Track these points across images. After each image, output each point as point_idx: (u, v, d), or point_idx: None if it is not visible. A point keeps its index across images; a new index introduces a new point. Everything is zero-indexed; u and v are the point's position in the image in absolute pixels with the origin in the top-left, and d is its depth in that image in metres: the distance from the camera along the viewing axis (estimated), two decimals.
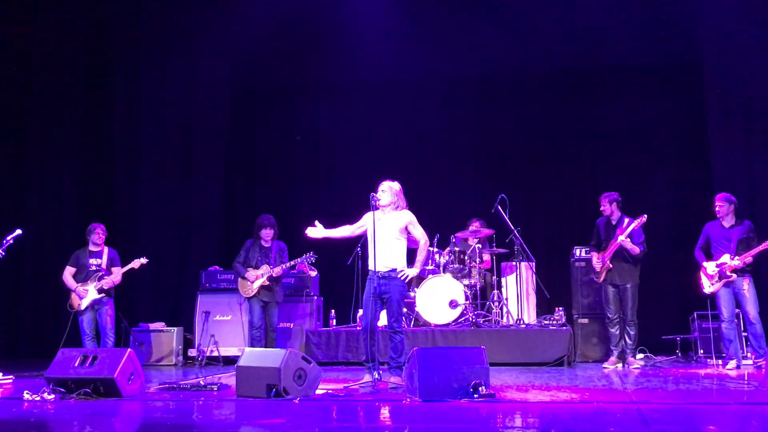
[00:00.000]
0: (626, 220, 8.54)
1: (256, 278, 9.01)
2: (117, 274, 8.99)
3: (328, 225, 12.03)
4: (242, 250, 9.29)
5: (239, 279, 9.21)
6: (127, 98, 11.97)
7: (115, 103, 11.99)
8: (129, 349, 6.68)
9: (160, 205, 11.81)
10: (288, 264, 9.02)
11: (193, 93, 12.06)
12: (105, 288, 8.88)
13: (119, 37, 12.00)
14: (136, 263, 9.04)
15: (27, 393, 6.42)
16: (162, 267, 11.12)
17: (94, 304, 8.88)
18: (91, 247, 9.06)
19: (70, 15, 11.84)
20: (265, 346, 8.95)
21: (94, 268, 8.96)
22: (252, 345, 8.95)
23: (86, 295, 8.84)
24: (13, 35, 11.64)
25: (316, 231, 7.58)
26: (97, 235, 9.05)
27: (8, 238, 8.51)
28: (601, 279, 8.73)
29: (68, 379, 6.48)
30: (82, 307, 8.84)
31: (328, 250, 11.78)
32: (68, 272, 9.01)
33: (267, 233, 9.18)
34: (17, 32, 11.66)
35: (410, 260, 7.41)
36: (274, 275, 9.00)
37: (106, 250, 9.09)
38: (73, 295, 8.91)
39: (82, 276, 8.95)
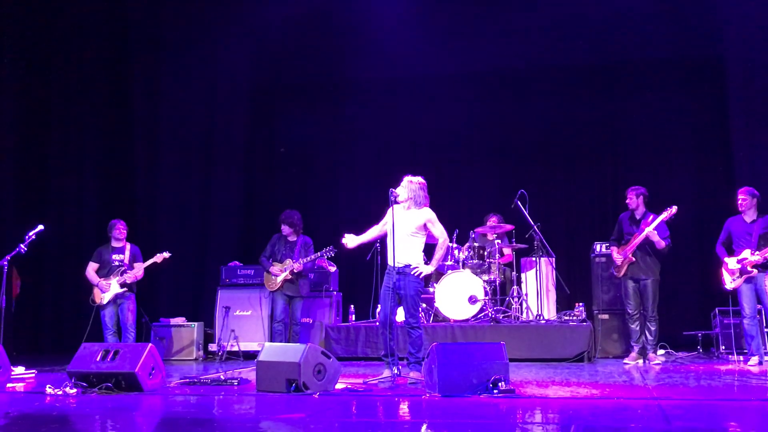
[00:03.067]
0: (651, 216, 8.49)
1: (280, 272, 9.06)
2: (139, 269, 9.08)
3: (348, 222, 12.05)
4: (268, 244, 9.36)
5: (264, 273, 9.28)
6: (147, 95, 12.04)
7: (135, 100, 12.06)
8: (150, 344, 6.72)
9: (181, 201, 11.87)
10: (308, 258, 9.05)
11: (213, 90, 12.11)
12: (128, 282, 8.98)
13: (140, 34, 12.06)
14: (159, 257, 9.18)
15: (49, 387, 6.47)
16: (182, 262, 11.19)
17: (116, 299, 8.99)
18: (114, 243, 9.18)
19: (90, 13, 11.90)
20: (288, 340, 9.00)
21: (116, 263, 9.07)
22: (273, 338, 9.05)
23: (108, 289, 8.95)
24: (35, 33, 11.72)
25: (351, 239, 7.48)
26: (119, 231, 9.16)
27: (30, 233, 8.60)
28: (622, 273, 8.68)
29: (90, 373, 6.52)
30: (104, 302, 8.95)
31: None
32: (91, 268, 9.12)
33: (286, 230, 9.23)
34: (39, 30, 11.74)
35: (430, 255, 7.41)
36: (295, 270, 9.04)
37: (128, 246, 9.22)
38: (96, 290, 9.02)
39: (105, 271, 9.06)
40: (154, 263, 9.20)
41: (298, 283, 9.16)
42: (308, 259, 9.07)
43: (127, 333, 9.02)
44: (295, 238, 9.29)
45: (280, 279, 9.07)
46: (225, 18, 11.84)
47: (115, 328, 9.02)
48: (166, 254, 9.21)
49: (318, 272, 10.28)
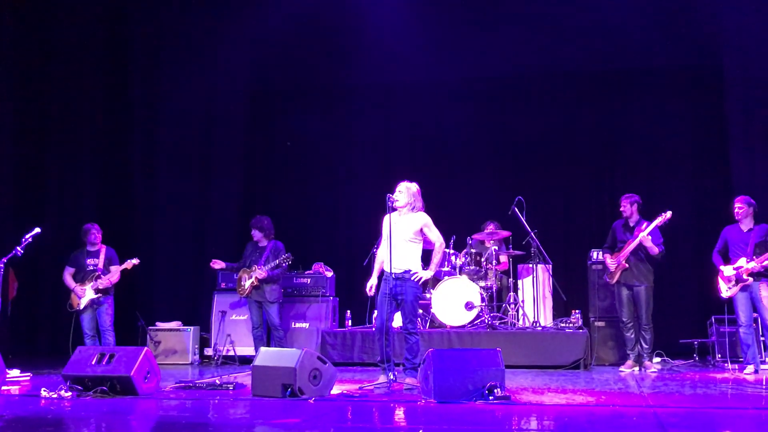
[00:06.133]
0: (644, 224, 8.50)
1: (247, 279, 9.08)
2: (114, 273, 9.01)
3: (345, 226, 12.18)
4: (244, 252, 9.40)
5: (237, 280, 9.34)
6: (146, 99, 12.03)
7: (134, 104, 12.06)
8: (146, 348, 6.72)
9: (178, 205, 11.84)
10: (270, 265, 9.03)
11: (211, 94, 12.09)
12: (101, 288, 8.90)
13: (139, 38, 12.07)
14: (128, 264, 9.06)
15: (44, 390, 6.47)
16: (179, 266, 11.16)
17: (93, 304, 8.93)
18: (89, 248, 9.10)
19: (90, 16, 11.90)
20: (271, 346, 8.99)
21: (91, 267, 8.99)
22: (255, 344, 9.12)
23: (84, 294, 8.89)
24: (35, 36, 11.72)
25: (372, 281, 7.46)
26: (93, 235, 9.08)
27: (27, 236, 8.58)
28: (615, 280, 8.68)
29: (85, 376, 6.52)
30: (81, 307, 8.91)
31: (344, 250, 11.85)
32: (68, 273, 9.07)
33: (257, 235, 9.28)
34: (38, 33, 11.74)
35: (427, 261, 7.41)
36: (258, 277, 9.02)
37: (103, 249, 9.11)
38: (73, 295, 8.98)
39: (80, 276, 8.99)
40: (125, 269, 9.07)
41: (265, 288, 9.09)
42: (270, 266, 9.05)
43: (106, 336, 8.92)
44: (265, 243, 9.26)
45: (246, 285, 9.09)
46: (224, 23, 11.82)
47: (93, 333, 8.97)
48: (135, 261, 9.09)
49: (314, 277, 10.26)
